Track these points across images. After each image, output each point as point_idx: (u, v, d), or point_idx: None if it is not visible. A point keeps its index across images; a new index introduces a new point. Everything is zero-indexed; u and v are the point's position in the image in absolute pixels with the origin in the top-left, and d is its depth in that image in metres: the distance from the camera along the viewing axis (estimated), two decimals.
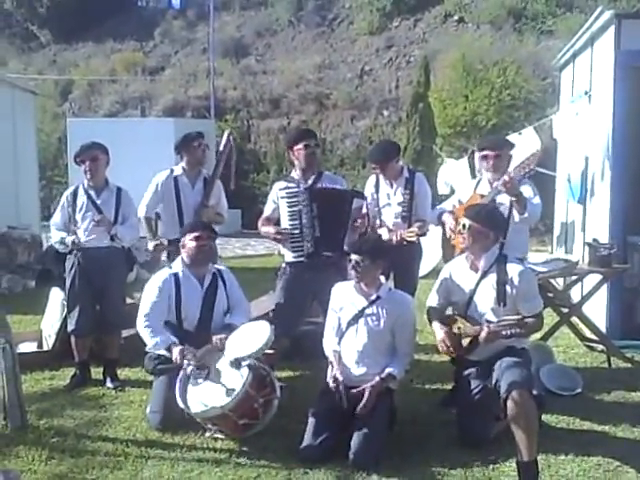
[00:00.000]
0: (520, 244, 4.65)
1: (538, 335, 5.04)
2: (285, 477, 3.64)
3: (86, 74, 21.52)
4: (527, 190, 4.57)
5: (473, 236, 3.92)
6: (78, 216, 5.05)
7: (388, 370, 3.96)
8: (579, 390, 4.81)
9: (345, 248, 4.45)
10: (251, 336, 4.18)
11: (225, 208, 5.51)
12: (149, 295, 4.42)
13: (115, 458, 3.88)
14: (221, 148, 5.36)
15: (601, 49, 6.44)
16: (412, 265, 5.15)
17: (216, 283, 4.53)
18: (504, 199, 4.60)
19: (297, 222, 4.57)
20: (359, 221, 4.56)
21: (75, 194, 5.10)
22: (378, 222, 5.10)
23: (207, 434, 4.10)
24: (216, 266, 4.67)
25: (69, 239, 5.01)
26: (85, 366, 5.19)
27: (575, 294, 6.46)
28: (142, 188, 5.35)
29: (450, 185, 9.79)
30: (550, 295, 5.45)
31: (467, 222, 3.94)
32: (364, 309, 4.04)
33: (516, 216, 4.55)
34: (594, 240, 5.78)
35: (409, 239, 4.87)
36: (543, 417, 4.06)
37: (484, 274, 3.95)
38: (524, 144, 7.76)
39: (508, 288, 3.87)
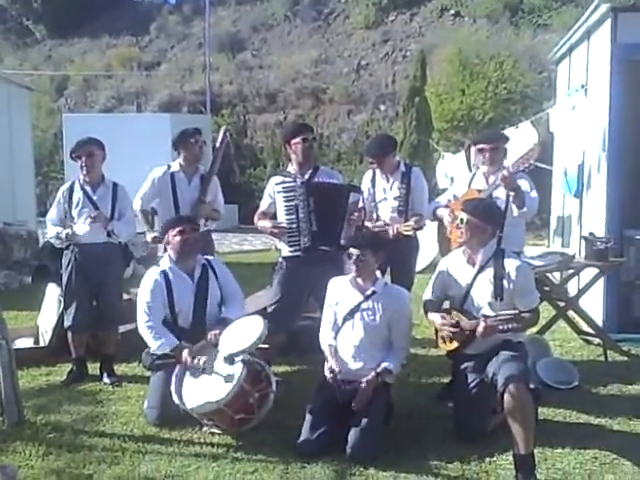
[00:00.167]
0: (516, 238, 4.66)
1: (535, 329, 5.04)
2: (282, 471, 3.64)
3: (82, 69, 21.44)
4: (524, 184, 4.58)
5: (471, 230, 3.92)
6: (74, 212, 5.04)
7: (384, 364, 3.96)
8: (575, 383, 4.82)
9: (342, 242, 4.45)
10: (245, 331, 4.18)
11: (222, 204, 5.52)
12: (143, 297, 4.40)
13: (112, 453, 3.88)
14: (217, 144, 5.36)
15: (597, 43, 6.43)
16: (409, 259, 5.16)
17: (207, 275, 4.52)
18: (500, 193, 4.61)
19: (294, 216, 4.56)
20: (355, 215, 4.56)
21: (71, 190, 5.09)
22: (375, 216, 5.11)
23: (204, 429, 4.11)
24: (205, 257, 4.64)
25: (64, 232, 5.00)
26: (82, 362, 5.19)
27: (572, 288, 6.46)
28: (138, 183, 5.34)
29: (451, 177, 9.75)
30: (547, 289, 5.46)
31: (465, 217, 3.94)
32: (360, 304, 4.04)
33: (515, 210, 4.56)
34: (590, 234, 5.79)
35: (406, 233, 4.88)
36: (540, 410, 4.06)
37: (481, 268, 3.95)
38: (521, 138, 7.76)
39: (505, 283, 3.87)
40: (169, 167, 5.31)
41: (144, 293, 4.41)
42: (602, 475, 3.60)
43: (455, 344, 4.02)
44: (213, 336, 4.23)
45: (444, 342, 4.13)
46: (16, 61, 22.75)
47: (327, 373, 3.97)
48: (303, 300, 4.78)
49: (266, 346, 4.41)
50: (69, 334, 5.15)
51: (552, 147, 8.40)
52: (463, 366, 4.04)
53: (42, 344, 5.71)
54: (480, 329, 3.77)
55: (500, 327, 3.75)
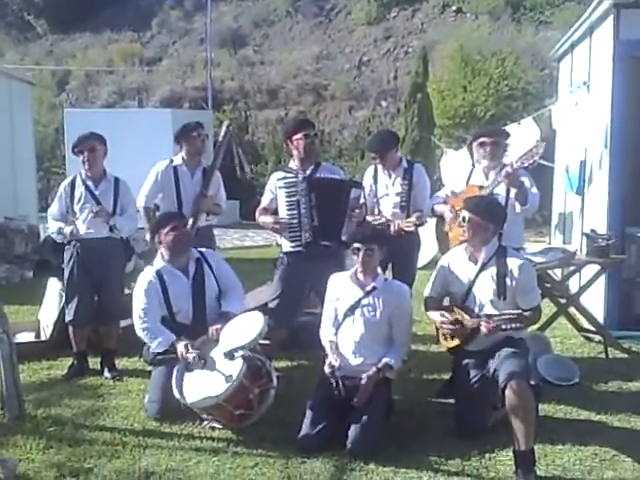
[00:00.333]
0: (516, 234, 4.65)
1: (536, 325, 5.03)
2: (283, 466, 3.65)
3: (83, 65, 21.40)
4: (525, 181, 4.57)
5: (473, 229, 3.91)
6: (76, 207, 5.04)
7: (385, 360, 3.97)
8: (576, 380, 4.82)
9: (343, 238, 4.45)
10: (245, 327, 4.18)
11: (223, 199, 5.50)
12: (138, 300, 4.38)
13: (113, 447, 3.89)
14: (220, 139, 5.35)
15: (600, 39, 6.42)
16: (411, 255, 5.16)
17: (202, 270, 4.48)
18: (500, 190, 4.60)
19: (295, 212, 4.56)
20: (357, 211, 4.55)
21: (73, 185, 5.08)
22: (377, 212, 5.10)
23: (204, 423, 4.11)
24: (199, 249, 4.59)
25: (67, 229, 5.00)
26: (83, 356, 5.19)
27: (573, 285, 6.46)
28: (140, 179, 5.33)
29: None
30: (548, 285, 5.46)
31: (467, 215, 3.93)
32: (360, 299, 4.04)
33: (517, 207, 4.55)
34: (592, 231, 5.78)
35: (407, 229, 4.88)
36: (540, 407, 4.06)
37: (484, 266, 3.94)
38: (524, 134, 7.76)
39: (508, 281, 3.86)
40: (171, 161, 5.30)
41: (139, 295, 4.38)
42: (602, 471, 3.61)
43: (456, 341, 4.02)
44: (214, 331, 4.22)
45: (445, 339, 4.12)
46: (17, 56, 22.71)
47: (326, 369, 3.97)
48: (304, 296, 4.78)
49: (267, 342, 4.41)
50: (70, 328, 5.16)
51: (554, 144, 8.39)
52: (464, 362, 4.04)
53: (43, 338, 5.72)
54: (484, 330, 3.77)
55: (503, 327, 3.75)
